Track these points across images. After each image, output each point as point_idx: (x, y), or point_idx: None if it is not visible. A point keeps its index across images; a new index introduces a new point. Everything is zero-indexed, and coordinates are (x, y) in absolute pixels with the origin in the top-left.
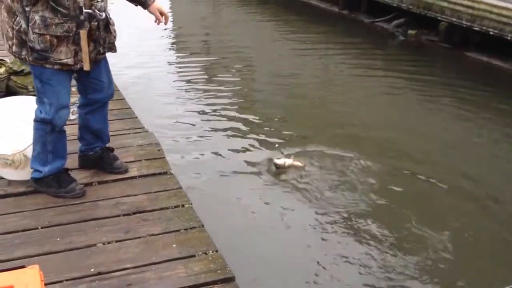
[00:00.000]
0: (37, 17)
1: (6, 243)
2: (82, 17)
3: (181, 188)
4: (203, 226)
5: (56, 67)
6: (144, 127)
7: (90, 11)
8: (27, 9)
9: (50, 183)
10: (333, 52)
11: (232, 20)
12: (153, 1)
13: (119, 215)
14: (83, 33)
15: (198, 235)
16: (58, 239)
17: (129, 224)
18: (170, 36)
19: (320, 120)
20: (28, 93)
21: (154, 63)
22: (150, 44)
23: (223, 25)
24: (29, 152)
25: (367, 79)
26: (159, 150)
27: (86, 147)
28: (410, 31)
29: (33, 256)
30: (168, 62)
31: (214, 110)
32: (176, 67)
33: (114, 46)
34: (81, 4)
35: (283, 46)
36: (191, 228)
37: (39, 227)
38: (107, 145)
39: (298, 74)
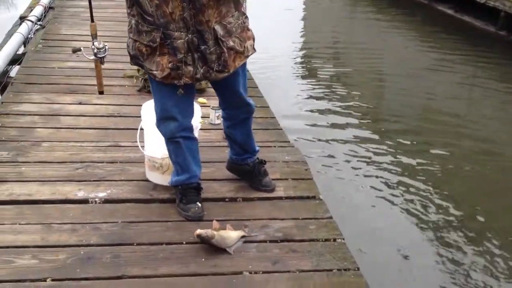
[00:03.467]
0: (133, 22)
1: (150, 256)
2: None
3: (331, 217)
4: (358, 269)
5: (154, 78)
6: (289, 141)
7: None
8: (128, 11)
9: (175, 193)
10: (483, 75)
11: (368, 28)
12: None
13: (265, 241)
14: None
15: (353, 279)
16: (203, 259)
17: (276, 254)
18: (299, 41)
19: (452, 142)
20: None
21: (281, 67)
22: (277, 46)
23: (357, 33)
24: None
25: None
26: (306, 169)
27: (236, 157)
28: None
29: (178, 276)
30: (294, 67)
31: (341, 119)
32: (303, 72)
33: (227, 67)
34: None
35: (422, 61)
36: (345, 270)
37: (184, 242)
38: (259, 157)
39: (434, 92)
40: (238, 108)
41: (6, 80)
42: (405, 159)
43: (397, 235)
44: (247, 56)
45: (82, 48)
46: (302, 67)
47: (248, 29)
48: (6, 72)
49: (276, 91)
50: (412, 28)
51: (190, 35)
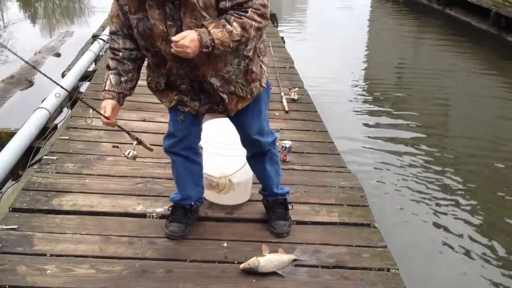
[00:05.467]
0: (149, 59)
1: (202, 273)
2: None
3: (386, 247)
4: None
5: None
6: (346, 167)
7: None
8: None
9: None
10: None
11: (434, 54)
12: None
13: (317, 266)
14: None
15: None
16: (254, 280)
17: (327, 279)
18: (362, 65)
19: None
20: None
21: (342, 91)
22: (339, 70)
23: (423, 59)
24: (235, 178)
25: None
26: (362, 196)
27: (260, 189)
28: None
29: None
30: (356, 91)
31: (401, 146)
32: (364, 97)
33: (227, 110)
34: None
35: (488, 88)
36: None
37: (235, 262)
38: (286, 199)
39: (501, 119)
40: (249, 142)
41: (76, 95)
42: (469, 190)
43: (455, 270)
44: (254, 97)
45: (119, 146)
46: (364, 92)
47: (253, 72)
48: (77, 87)
49: (336, 116)
50: (479, 56)
51: (190, 82)
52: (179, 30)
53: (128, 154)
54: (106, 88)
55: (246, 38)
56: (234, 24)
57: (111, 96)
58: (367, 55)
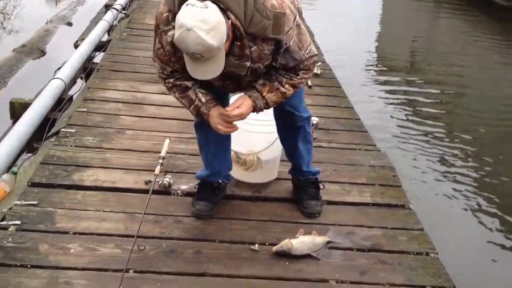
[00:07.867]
0: None
1: (233, 254)
2: None
3: (423, 229)
4: (455, 287)
5: None
6: (375, 145)
7: None
8: None
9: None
10: None
11: (452, 36)
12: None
13: (352, 249)
14: None
15: None
16: (287, 263)
17: (364, 263)
18: (374, 47)
19: None
20: None
21: (362, 67)
22: (357, 47)
23: (439, 40)
24: (264, 156)
25: None
26: (394, 176)
27: (290, 168)
28: None
29: (261, 278)
30: (378, 68)
31: (428, 125)
32: (386, 74)
33: None
34: None
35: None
36: None
37: (266, 243)
38: (317, 178)
39: None
40: (281, 113)
41: (91, 66)
42: (499, 168)
43: (494, 250)
44: None
45: (152, 180)
46: (382, 67)
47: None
48: (91, 58)
49: (357, 91)
50: (496, 31)
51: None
52: (236, 84)
53: (164, 185)
54: (203, 101)
55: (297, 90)
56: (287, 86)
57: (214, 103)
58: (382, 29)
